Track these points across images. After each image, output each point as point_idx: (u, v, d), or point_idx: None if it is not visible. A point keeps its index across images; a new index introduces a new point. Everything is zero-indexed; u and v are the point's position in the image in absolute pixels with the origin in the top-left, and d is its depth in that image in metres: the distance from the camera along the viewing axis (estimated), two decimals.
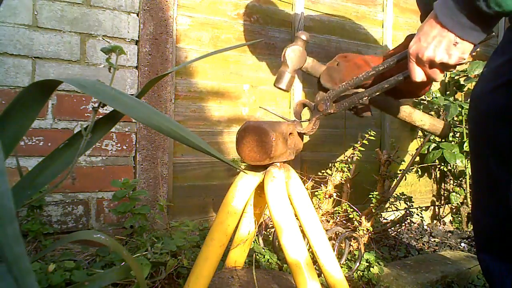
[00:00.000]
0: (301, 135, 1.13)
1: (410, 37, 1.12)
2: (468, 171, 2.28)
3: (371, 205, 1.70)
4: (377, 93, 1.02)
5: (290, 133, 1.08)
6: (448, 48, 0.82)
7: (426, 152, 2.28)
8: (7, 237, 0.26)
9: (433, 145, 2.29)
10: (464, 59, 0.84)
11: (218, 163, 1.73)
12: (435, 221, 2.48)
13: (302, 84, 1.94)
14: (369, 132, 1.79)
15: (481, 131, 1.06)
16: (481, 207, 1.10)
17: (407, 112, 1.18)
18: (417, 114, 1.19)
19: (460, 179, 2.42)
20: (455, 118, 2.31)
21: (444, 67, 0.87)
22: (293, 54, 1.07)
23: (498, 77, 0.99)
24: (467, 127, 2.29)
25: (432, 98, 2.32)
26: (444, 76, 2.49)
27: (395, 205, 1.92)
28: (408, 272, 1.50)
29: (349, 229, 1.65)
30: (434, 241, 2.11)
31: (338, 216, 1.75)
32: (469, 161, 2.22)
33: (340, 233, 1.49)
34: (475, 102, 1.08)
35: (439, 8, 0.81)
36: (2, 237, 0.26)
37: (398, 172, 2.15)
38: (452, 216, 2.46)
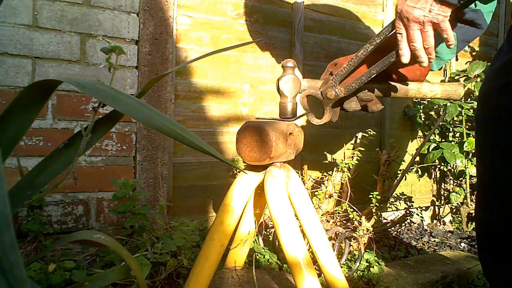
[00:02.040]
0: (302, 134, 1.13)
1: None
2: (468, 171, 2.28)
3: (371, 205, 1.70)
4: (385, 67, 1.01)
5: (290, 133, 1.08)
6: (431, 8, 0.86)
7: (426, 152, 2.29)
8: (3, 244, 0.26)
9: (433, 145, 2.29)
10: (446, 16, 0.88)
11: (218, 163, 1.73)
12: (435, 221, 2.48)
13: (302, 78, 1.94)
14: (369, 132, 1.79)
15: (488, 130, 1.06)
16: (485, 206, 1.10)
17: (415, 88, 1.17)
18: (425, 86, 1.18)
19: (460, 179, 2.42)
20: (455, 118, 2.31)
21: (434, 26, 0.90)
22: (287, 84, 1.08)
23: (503, 76, 0.99)
24: (467, 127, 2.29)
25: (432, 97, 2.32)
26: (444, 76, 2.49)
27: (395, 205, 1.92)
28: (408, 272, 1.50)
29: (349, 229, 1.65)
30: (434, 241, 2.11)
31: (338, 216, 1.75)
32: (469, 161, 2.22)
33: (340, 233, 1.49)
34: (482, 101, 1.08)
35: None
36: None
37: (398, 172, 2.16)
38: (452, 216, 2.46)
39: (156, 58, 1.53)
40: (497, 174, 1.03)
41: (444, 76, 2.49)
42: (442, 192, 2.51)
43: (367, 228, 1.65)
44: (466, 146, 2.21)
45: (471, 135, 2.25)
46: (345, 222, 1.74)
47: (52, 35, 1.36)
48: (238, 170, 1.59)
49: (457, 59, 2.53)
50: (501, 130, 1.01)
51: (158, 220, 1.42)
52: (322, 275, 1.12)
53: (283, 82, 1.08)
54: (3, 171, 0.28)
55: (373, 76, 1.02)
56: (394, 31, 0.98)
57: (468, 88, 2.35)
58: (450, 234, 2.24)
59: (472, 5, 1.02)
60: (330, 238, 1.44)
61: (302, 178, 1.86)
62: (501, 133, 1.01)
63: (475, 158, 1.16)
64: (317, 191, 1.75)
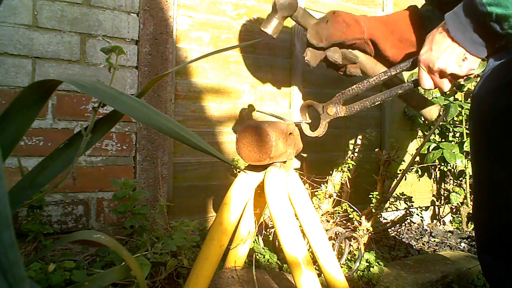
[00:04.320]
0: (301, 134, 1.13)
1: (412, 8, 1.11)
2: (468, 171, 2.28)
3: (371, 205, 1.70)
4: (390, 98, 1.02)
5: (290, 133, 1.08)
6: (459, 60, 0.85)
7: (426, 152, 2.28)
8: (3, 243, 0.26)
9: (433, 145, 2.29)
10: (474, 69, 0.87)
11: (218, 163, 1.73)
12: (435, 221, 2.48)
13: (302, 84, 1.94)
14: (369, 132, 1.79)
15: (483, 130, 1.06)
16: (482, 207, 1.10)
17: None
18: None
19: (460, 179, 2.42)
20: (455, 118, 2.31)
21: (453, 77, 0.90)
22: (283, 2, 1.05)
23: (499, 77, 0.99)
24: (467, 127, 2.29)
25: (432, 98, 2.32)
26: None
27: (395, 205, 1.92)
28: (408, 272, 1.50)
29: (349, 229, 1.65)
30: (434, 241, 2.11)
31: (338, 216, 1.75)
32: (469, 161, 2.22)
33: (340, 233, 1.49)
34: (477, 101, 1.08)
35: (451, 22, 0.84)
36: None
37: (398, 172, 2.16)
38: (452, 216, 2.46)
39: (156, 58, 1.53)
40: (492, 174, 1.03)
41: None
42: (442, 192, 2.51)
43: (367, 228, 1.65)
44: (466, 146, 2.21)
45: None
46: (345, 222, 1.74)
47: (52, 35, 1.36)
48: (238, 170, 1.59)
49: None
50: (495, 130, 1.01)
51: (158, 220, 1.42)
52: (322, 275, 1.12)
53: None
54: (3, 171, 0.28)
55: (377, 103, 1.03)
56: (411, 66, 0.98)
57: (468, 88, 2.35)
58: (450, 234, 2.24)
59: None
60: (330, 238, 1.44)
61: (302, 178, 1.86)
62: (496, 133, 1.01)
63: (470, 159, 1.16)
64: (317, 191, 1.75)
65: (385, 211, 1.91)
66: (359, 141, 1.86)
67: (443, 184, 2.51)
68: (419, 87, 0.98)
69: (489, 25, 0.77)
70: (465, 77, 0.90)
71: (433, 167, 2.44)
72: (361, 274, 1.49)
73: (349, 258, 1.55)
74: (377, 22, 1.09)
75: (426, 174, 2.45)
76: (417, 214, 2.07)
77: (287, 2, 1.04)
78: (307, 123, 1.10)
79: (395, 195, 1.92)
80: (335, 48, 1.06)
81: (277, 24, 1.05)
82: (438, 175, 2.50)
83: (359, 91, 1.04)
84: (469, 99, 2.36)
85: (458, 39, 0.83)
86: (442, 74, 0.89)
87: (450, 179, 2.48)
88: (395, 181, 1.94)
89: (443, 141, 2.32)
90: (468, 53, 0.84)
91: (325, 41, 1.03)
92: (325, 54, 1.08)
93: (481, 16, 0.77)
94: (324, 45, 1.03)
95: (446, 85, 0.91)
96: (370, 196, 1.71)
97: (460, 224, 2.34)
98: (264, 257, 1.47)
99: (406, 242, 2.01)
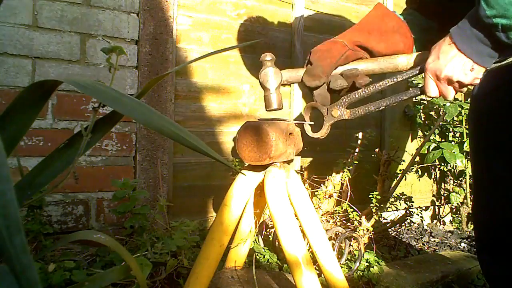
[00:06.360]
0: (302, 134, 1.13)
1: (376, 5, 1.13)
2: (468, 171, 2.28)
3: (371, 205, 1.70)
4: (395, 104, 1.03)
5: (290, 133, 1.08)
6: (465, 69, 0.88)
7: (426, 152, 2.29)
8: (15, 247, 0.26)
9: (433, 145, 2.29)
10: (478, 78, 0.90)
11: (218, 163, 1.73)
12: (435, 221, 2.48)
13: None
14: (369, 132, 1.79)
15: (483, 130, 1.06)
16: (482, 207, 1.10)
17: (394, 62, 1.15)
18: (402, 58, 1.15)
19: (460, 179, 2.42)
20: (455, 118, 2.31)
21: (459, 85, 0.92)
22: (267, 77, 1.07)
23: (498, 78, 1.00)
24: (467, 127, 2.29)
25: (432, 98, 2.32)
26: None
27: (395, 205, 1.92)
28: (408, 272, 1.50)
29: (349, 229, 1.65)
30: (434, 241, 2.12)
31: (338, 216, 1.75)
32: (469, 161, 2.22)
33: (340, 233, 1.49)
34: (476, 102, 1.08)
35: (457, 36, 0.87)
36: (11, 247, 0.26)
37: (398, 172, 2.16)
38: (452, 216, 2.46)
39: (156, 58, 1.53)
40: (492, 173, 1.03)
41: None
42: (442, 192, 2.51)
43: (367, 228, 1.65)
44: (466, 146, 2.21)
45: None
46: (345, 222, 1.74)
47: (52, 35, 1.36)
48: (236, 171, 1.59)
49: None
50: (496, 129, 1.01)
51: (158, 220, 1.42)
52: (322, 275, 1.12)
53: (264, 75, 1.07)
54: (10, 173, 0.28)
55: (381, 108, 1.03)
56: (417, 73, 0.99)
57: (468, 88, 2.35)
58: (450, 234, 2.24)
59: None
60: (330, 238, 1.44)
61: (302, 178, 1.86)
62: (496, 133, 1.01)
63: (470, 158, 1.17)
64: (317, 191, 1.75)
65: (385, 211, 1.91)
66: (359, 141, 1.85)
67: (443, 184, 2.51)
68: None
69: (494, 35, 0.81)
70: (469, 85, 0.92)
71: (433, 167, 2.44)
72: (361, 274, 1.49)
73: (349, 258, 1.55)
74: (352, 32, 1.11)
75: (426, 174, 2.45)
76: (417, 214, 2.07)
77: (271, 77, 1.07)
78: (310, 124, 1.10)
79: (395, 195, 1.92)
80: (334, 75, 1.07)
81: (277, 97, 1.08)
82: (438, 175, 2.50)
83: (365, 95, 1.04)
84: (468, 99, 2.36)
85: (465, 51, 0.86)
86: (449, 82, 0.91)
87: (450, 179, 2.48)
88: (395, 181, 1.94)
89: (443, 141, 2.32)
90: (475, 64, 0.87)
91: (323, 76, 1.04)
92: (329, 87, 1.09)
93: (487, 27, 0.81)
94: (325, 80, 1.04)
95: (451, 93, 0.95)
96: (370, 196, 1.71)
97: (460, 224, 2.34)
98: (264, 257, 1.47)
99: (406, 242, 2.01)
